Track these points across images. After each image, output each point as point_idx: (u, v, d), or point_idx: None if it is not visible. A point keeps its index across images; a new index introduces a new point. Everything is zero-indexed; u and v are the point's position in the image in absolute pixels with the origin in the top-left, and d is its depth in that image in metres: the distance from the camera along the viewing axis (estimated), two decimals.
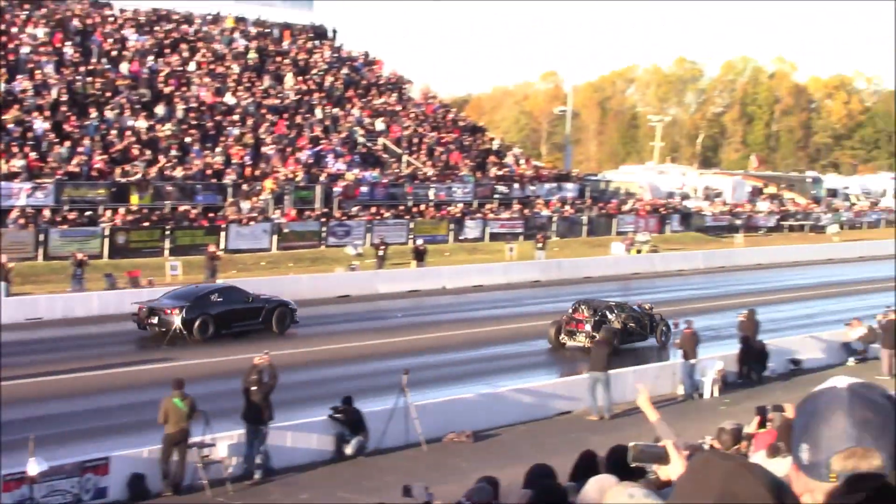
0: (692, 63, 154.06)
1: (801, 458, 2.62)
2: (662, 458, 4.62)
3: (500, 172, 64.87)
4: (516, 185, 64.23)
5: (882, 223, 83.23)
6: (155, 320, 31.97)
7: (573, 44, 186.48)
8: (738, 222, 72.49)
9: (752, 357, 29.77)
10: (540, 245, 52.80)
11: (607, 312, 32.96)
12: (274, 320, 33.79)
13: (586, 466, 8.41)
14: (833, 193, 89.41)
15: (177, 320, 31.69)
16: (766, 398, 23.47)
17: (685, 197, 77.79)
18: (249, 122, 56.79)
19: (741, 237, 67.01)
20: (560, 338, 32.58)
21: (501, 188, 63.24)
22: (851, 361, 32.33)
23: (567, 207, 64.25)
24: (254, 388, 20.13)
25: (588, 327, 32.10)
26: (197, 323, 32.00)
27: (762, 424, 15.20)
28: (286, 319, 34.22)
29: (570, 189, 67.81)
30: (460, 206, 59.43)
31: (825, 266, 58.44)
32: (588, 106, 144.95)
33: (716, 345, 32.36)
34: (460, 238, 57.17)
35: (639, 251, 57.46)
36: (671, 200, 74.42)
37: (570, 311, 33.38)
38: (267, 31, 67.37)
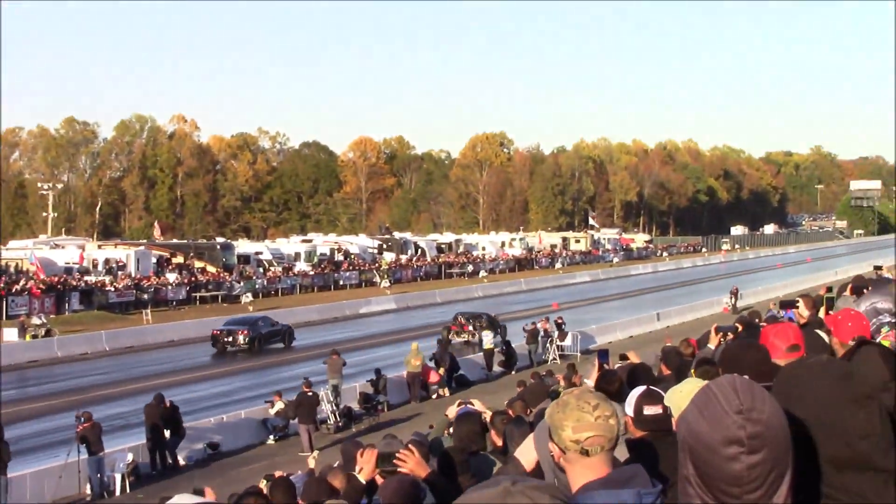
0: (84, 124, 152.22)
1: None
2: None
3: None
4: None
5: (298, 288, 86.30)
6: (230, 339, 51.63)
7: None
8: (146, 296, 72.07)
9: (163, 444, 29.08)
10: None
11: (474, 319, 52.59)
12: (286, 339, 54.24)
13: None
14: (245, 260, 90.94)
15: (242, 339, 51.49)
16: (184, 487, 22.84)
17: (85, 272, 75.77)
18: None
19: (150, 313, 66.45)
20: (449, 336, 50.61)
21: None
22: (272, 439, 32.59)
23: None
24: None
25: (470, 328, 51.83)
26: (256, 341, 51.71)
27: None
28: (291, 338, 54.60)
29: None
30: None
31: None
32: None
33: (126, 434, 31.68)
34: None
35: (35, 336, 55.17)
36: (69, 277, 72.25)
37: (453, 319, 53.44)
38: None
